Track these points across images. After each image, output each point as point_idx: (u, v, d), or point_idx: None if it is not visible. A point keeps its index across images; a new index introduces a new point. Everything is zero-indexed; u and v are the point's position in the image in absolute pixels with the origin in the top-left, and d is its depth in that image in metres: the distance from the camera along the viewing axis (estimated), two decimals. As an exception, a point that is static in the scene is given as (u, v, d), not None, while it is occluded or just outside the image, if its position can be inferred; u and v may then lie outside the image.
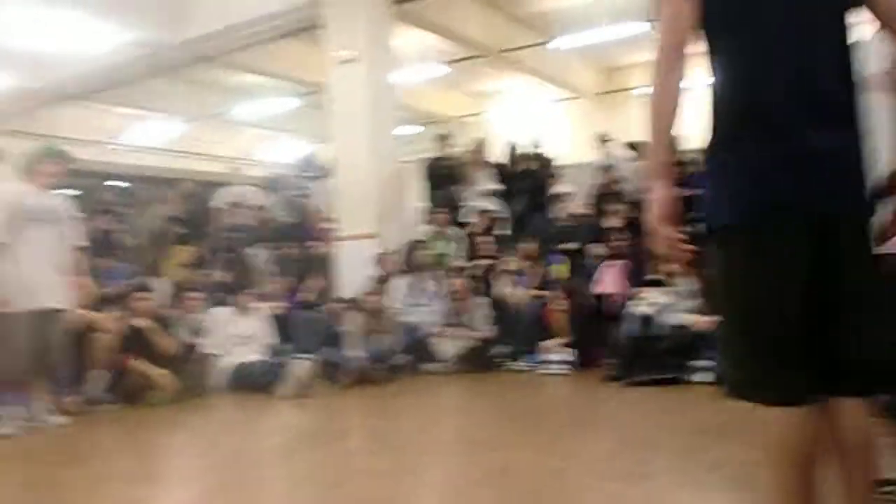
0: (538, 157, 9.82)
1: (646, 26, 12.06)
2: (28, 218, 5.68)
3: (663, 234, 2.14)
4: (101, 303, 7.15)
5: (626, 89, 16.22)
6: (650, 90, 2.09)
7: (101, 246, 11.96)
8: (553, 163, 9.89)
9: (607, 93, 16.63)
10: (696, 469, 3.71)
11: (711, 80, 2.14)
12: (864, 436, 2.04)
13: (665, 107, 2.10)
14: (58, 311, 5.84)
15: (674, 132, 2.12)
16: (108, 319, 6.76)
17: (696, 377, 6.02)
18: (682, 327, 6.35)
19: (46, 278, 5.74)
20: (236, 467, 4.46)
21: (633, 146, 10.42)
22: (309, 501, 3.70)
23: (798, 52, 2.01)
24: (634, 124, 14.09)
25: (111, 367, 6.62)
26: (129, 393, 6.59)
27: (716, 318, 2.45)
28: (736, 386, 2.15)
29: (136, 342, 6.73)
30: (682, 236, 2.15)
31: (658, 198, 2.12)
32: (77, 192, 16.39)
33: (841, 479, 2.06)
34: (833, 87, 2.01)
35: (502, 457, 4.16)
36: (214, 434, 5.76)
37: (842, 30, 2.04)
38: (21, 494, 4.13)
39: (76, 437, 5.62)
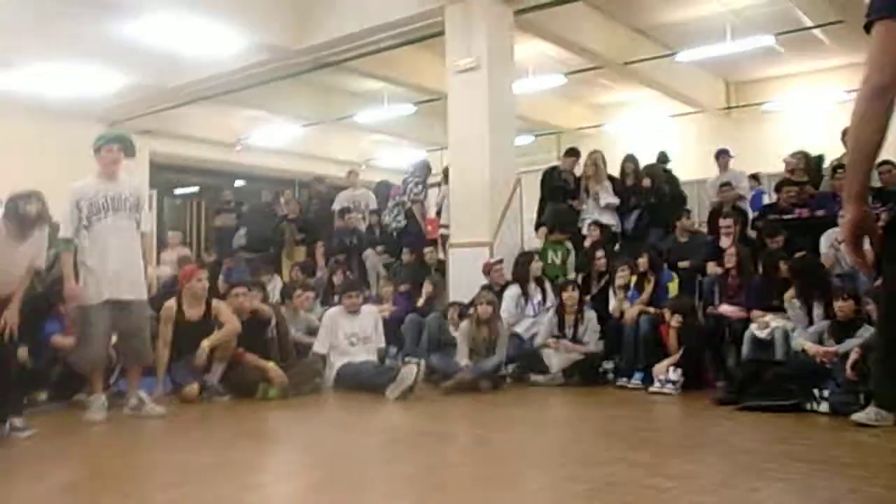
0: (657, 172, 9.60)
1: (771, 40, 11.72)
2: (98, 210, 5.76)
3: (854, 254, 2.09)
4: (221, 297, 7.42)
5: (752, 105, 15.76)
6: (855, 113, 2.00)
7: (222, 243, 12.49)
8: (672, 178, 9.66)
9: (732, 108, 16.18)
10: (812, 503, 3.54)
11: None
12: None
13: (868, 134, 2.01)
14: (135, 302, 5.90)
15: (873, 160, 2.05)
16: (228, 312, 6.98)
17: (816, 407, 5.74)
18: (802, 354, 6.09)
19: (122, 269, 5.80)
20: (342, 464, 4.53)
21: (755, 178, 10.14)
22: (410, 504, 3.72)
23: None
24: (760, 141, 13.76)
25: (226, 359, 6.85)
26: (241, 385, 6.80)
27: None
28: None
29: (251, 336, 6.93)
30: (870, 255, 2.12)
31: (851, 219, 2.06)
32: (199, 191, 17.18)
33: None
34: None
35: (606, 473, 4.08)
36: (322, 430, 5.87)
37: None
38: (140, 475, 4.32)
39: (192, 424, 5.84)
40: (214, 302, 7.01)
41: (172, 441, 5.34)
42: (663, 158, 9.93)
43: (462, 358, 7.29)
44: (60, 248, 5.85)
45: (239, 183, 18.20)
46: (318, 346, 7.39)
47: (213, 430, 5.82)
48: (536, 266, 8.28)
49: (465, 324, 7.52)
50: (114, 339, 6.17)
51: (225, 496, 3.73)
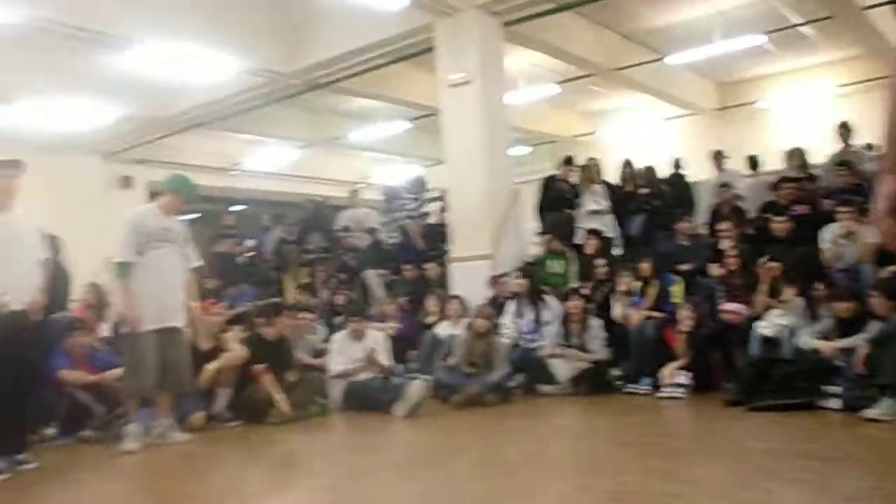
0: (654, 177, 9.61)
1: (760, 39, 11.76)
2: (152, 239, 5.94)
3: (886, 227, 2.10)
4: (228, 323, 7.42)
5: (745, 104, 15.80)
6: (890, 89, 2.02)
7: (225, 269, 12.48)
8: (684, 183, 9.67)
9: (725, 108, 16.22)
10: (828, 502, 3.52)
11: None
12: None
13: None
14: (179, 330, 6.09)
15: None
16: (235, 339, 6.99)
17: (826, 403, 5.72)
18: (811, 351, 6.07)
19: (169, 298, 6.01)
20: (354, 485, 4.51)
21: (753, 162, 10.16)
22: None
23: None
24: (754, 139, 13.78)
25: (235, 385, 6.84)
26: (251, 410, 6.79)
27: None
28: None
29: (262, 360, 6.91)
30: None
31: (888, 192, 2.07)
32: (199, 217, 17.19)
33: None
34: None
35: (617, 481, 4.06)
36: (332, 452, 5.85)
37: None
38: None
39: (201, 452, 5.82)
40: (223, 334, 7.06)
41: (183, 469, 5.31)
42: (677, 164, 9.94)
43: (456, 362, 7.29)
44: (118, 273, 5.92)
45: (238, 207, 18.19)
46: (335, 365, 7.33)
47: (223, 456, 5.80)
48: (540, 276, 8.21)
49: (462, 333, 7.51)
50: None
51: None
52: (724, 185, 9.13)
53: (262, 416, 6.70)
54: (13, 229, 5.27)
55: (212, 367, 6.66)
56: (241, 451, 5.97)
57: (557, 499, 4.03)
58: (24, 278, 5.24)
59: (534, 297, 8.04)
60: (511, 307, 8.04)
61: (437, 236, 10.42)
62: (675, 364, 6.91)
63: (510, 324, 7.93)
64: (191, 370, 6.26)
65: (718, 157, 10.07)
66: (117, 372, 6.28)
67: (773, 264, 6.96)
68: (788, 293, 6.70)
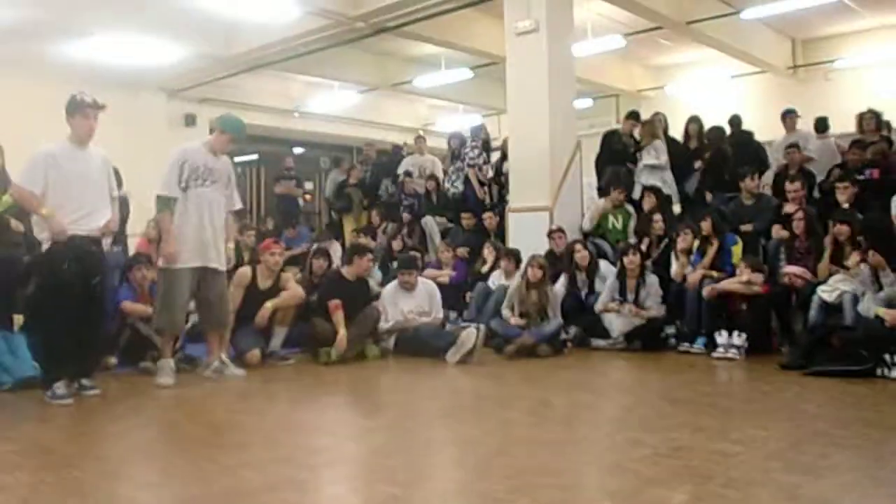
0: (718, 135, 9.38)
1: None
2: (196, 176, 5.92)
3: None
4: (286, 263, 7.52)
5: (821, 63, 15.28)
6: None
7: (284, 210, 12.62)
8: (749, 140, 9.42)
9: (799, 67, 15.70)
10: (886, 470, 3.46)
11: None
12: None
13: None
14: (218, 271, 6.07)
15: None
16: (293, 279, 7.09)
17: (888, 373, 5.59)
18: (875, 320, 5.92)
19: (209, 238, 5.97)
20: (404, 428, 4.57)
21: (821, 124, 9.84)
22: (474, 467, 3.73)
23: None
24: (828, 100, 13.34)
25: (287, 324, 6.96)
26: (310, 344, 6.96)
27: None
28: None
29: (355, 297, 7.05)
30: None
31: None
32: (259, 158, 17.35)
33: None
34: None
35: (670, 437, 4.04)
36: (384, 394, 5.94)
37: None
38: (208, 435, 4.41)
39: (255, 388, 5.95)
40: (283, 273, 7.15)
41: (238, 404, 5.44)
42: (736, 121, 9.66)
43: (507, 312, 7.31)
44: (159, 207, 5.96)
45: (298, 150, 18.32)
46: (384, 324, 7.36)
47: (277, 393, 5.92)
48: (581, 256, 8.08)
49: (514, 282, 7.52)
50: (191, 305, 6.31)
51: (290, 457, 3.79)
52: (793, 146, 8.88)
53: (319, 350, 6.82)
54: (90, 164, 5.39)
55: (269, 305, 6.77)
56: (294, 388, 6.09)
57: (607, 450, 4.04)
58: (98, 212, 5.36)
59: (579, 276, 7.93)
60: (563, 280, 7.94)
61: (497, 186, 10.38)
62: (730, 326, 6.81)
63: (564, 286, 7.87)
64: (229, 308, 6.28)
65: (789, 116, 9.79)
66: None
67: (843, 227, 6.77)
68: (854, 259, 6.53)
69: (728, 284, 6.93)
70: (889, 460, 3.59)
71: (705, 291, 7.01)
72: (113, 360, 6.49)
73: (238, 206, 6.44)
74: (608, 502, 3.15)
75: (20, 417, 4.87)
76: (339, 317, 6.88)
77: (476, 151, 10.66)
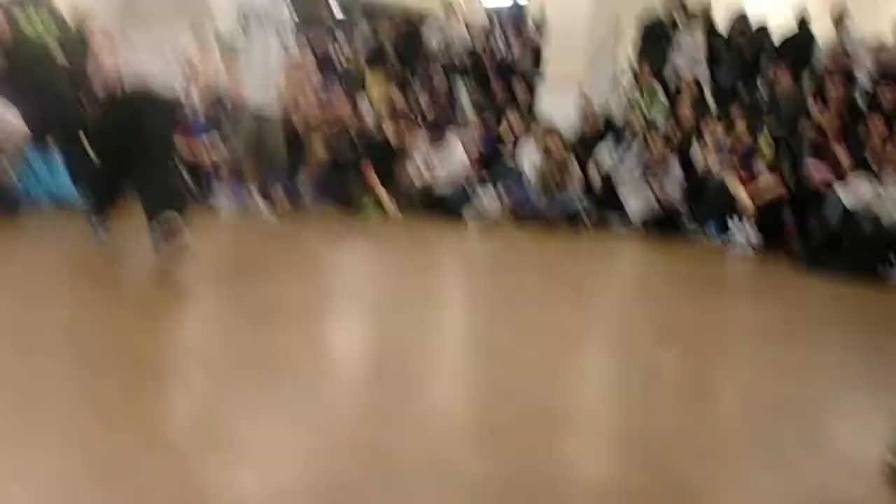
0: (759, 30, 9.20)
1: None
2: (258, 21, 5.95)
3: None
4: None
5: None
6: None
7: (319, 62, 12.43)
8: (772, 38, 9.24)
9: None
10: (863, 353, 3.66)
11: None
12: None
13: None
14: (274, 120, 6.18)
15: None
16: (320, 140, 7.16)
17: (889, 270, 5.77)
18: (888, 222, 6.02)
19: (267, 83, 6.04)
20: (420, 280, 4.72)
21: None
22: (482, 320, 3.95)
23: None
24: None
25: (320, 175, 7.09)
26: (341, 195, 7.04)
27: None
28: None
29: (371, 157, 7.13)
30: None
31: None
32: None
33: None
34: None
35: (667, 308, 4.29)
36: (404, 250, 6.04)
37: None
38: (238, 262, 4.65)
39: (286, 229, 6.09)
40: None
41: (268, 241, 5.61)
42: (803, 21, 9.39)
43: (529, 184, 7.49)
44: (221, 49, 5.98)
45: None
46: (418, 176, 7.47)
47: (304, 235, 6.02)
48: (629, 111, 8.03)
49: (537, 156, 7.64)
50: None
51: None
52: (841, 51, 8.65)
53: (348, 205, 6.94)
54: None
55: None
56: (321, 233, 6.24)
57: (607, 312, 4.29)
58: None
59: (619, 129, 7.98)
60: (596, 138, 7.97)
61: (530, 56, 10.28)
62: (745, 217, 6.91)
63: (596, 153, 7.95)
64: (283, 157, 6.40)
65: (841, 17, 9.51)
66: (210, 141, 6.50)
67: (880, 124, 6.72)
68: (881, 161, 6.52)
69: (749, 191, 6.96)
70: (868, 345, 3.84)
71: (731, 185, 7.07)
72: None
73: (296, 52, 6.51)
74: (607, 358, 3.36)
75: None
76: (372, 179, 7.00)
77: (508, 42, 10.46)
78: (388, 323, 3.57)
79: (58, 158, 5.86)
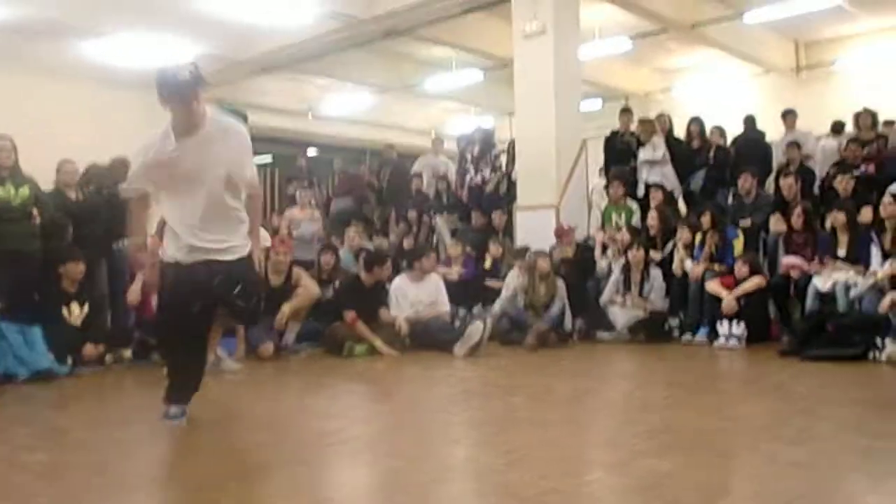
0: (718, 134, 9.62)
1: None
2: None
3: None
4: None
5: (822, 64, 15.47)
6: None
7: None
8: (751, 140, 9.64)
9: (802, 68, 15.88)
10: (864, 439, 3.68)
11: None
12: None
13: None
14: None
15: None
16: (307, 278, 7.37)
17: (879, 357, 5.84)
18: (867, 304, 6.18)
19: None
20: (411, 412, 4.84)
21: (838, 126, 10.03)
22: (476, 443, 3.99)
23: None
24: (830, 100, 13.49)
25: (301, 320, 7.27)
26: (331, 343, 7.20)
27: None
28: None
29: (355, 303, 7.25)
30: None
31: None
32: (273, 160, 17.54)
33: None
34: None
35: (666, 416, 4.30)
36: (393, 384, 6.16)
37: None
38: (226, 421, 4.68)
39: (267, 378, 6.19)
40: (295, 269, 7.37)
41: (253, 392, 5.71)
42: (750, 122, 9.88)
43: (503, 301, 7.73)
44: None
45: (311, 152, 18.55)
46: (395, 311, 7.57)
47: (290, 382, 6.18)
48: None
49: (514, 271, 7.89)
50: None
51: (305, 440, 4.05)
52: (793, 144, 9.08)
53: (339, 350, 7.06)
54: None
55: (287, 309, 7.03)
56: (308, 379, 6.32)
57: (606, 428, 4.30)
58: None
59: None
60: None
61: (504, 186, 10.60)
62: (730, 316, 7.04)
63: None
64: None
65: (789, 116, 10.00)
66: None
67: (839, 214, 6.98)
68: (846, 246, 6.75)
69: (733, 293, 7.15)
70: (866, 430, 3.81)
71: (708, 286, 7.25)
72: (128, 354, 6.72)
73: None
74: (601, 472, 3.39)
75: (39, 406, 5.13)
76: (360, 328, 7.12)
77: (477, 158, 10.81)
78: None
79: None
